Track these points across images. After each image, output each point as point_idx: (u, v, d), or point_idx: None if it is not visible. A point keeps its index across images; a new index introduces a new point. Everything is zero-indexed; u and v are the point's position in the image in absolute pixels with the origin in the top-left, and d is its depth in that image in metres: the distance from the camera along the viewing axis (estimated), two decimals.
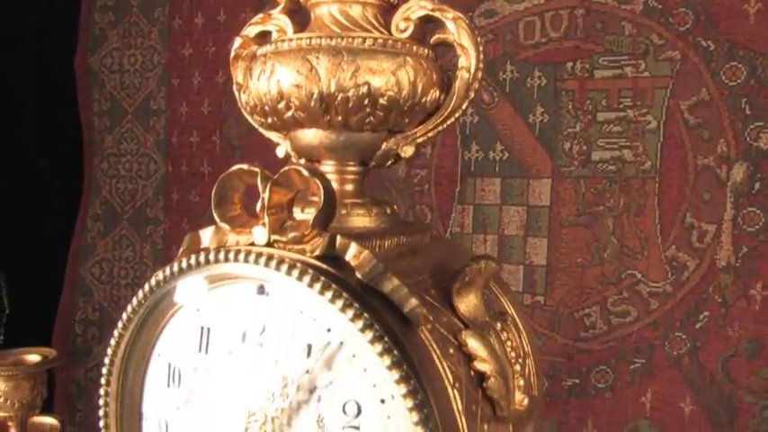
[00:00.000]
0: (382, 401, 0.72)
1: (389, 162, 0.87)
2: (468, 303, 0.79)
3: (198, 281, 0.79)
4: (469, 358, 0.77)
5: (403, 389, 0.68)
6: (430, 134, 0.85)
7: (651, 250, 1.59)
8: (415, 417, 0.68)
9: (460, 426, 0.73)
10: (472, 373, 0.77)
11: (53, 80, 2.03)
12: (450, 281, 0.80)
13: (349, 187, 0.87)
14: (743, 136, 1.50)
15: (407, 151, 0.85)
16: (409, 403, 0.68)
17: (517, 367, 0.80)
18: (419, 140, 0.85)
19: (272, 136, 0.93)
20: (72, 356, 2.08)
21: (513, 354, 0.80)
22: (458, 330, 0.77)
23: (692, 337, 1.57)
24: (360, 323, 0.69)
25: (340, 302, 0.70)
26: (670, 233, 1.57)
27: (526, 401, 0.80)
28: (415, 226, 0.95)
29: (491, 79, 1.68)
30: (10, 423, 1.18)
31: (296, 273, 0.72)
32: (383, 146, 0.85)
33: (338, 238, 0.74)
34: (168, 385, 0.83)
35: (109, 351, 0.85)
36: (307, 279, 0.71)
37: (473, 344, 0.77)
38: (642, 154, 1.58)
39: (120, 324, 0.84)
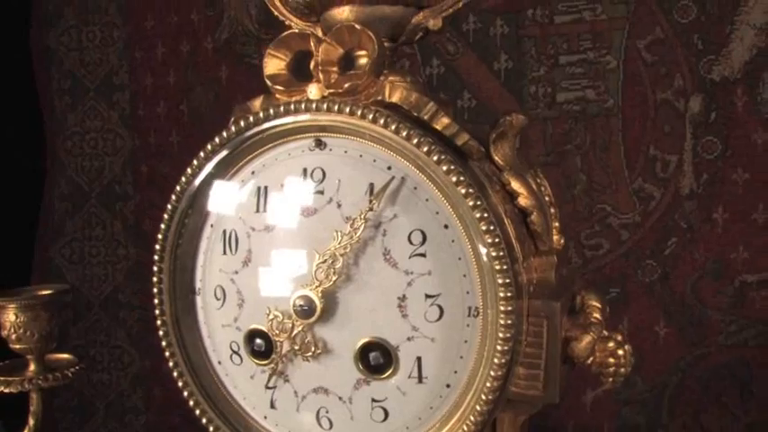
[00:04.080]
0: (446, 227, 0.76)
1: (418, 36, 0.92)
2: (503, 152, 0.85)
3: None
4: (512, 197, 0.82)
5: (470, 201, 0.73)
6: (457, 6, 0.90)
7: (619, 184, 1.68)
8: (483, 227, 0.73)
9: (517, 249, 0.78)
10: (516, 210, 0.82)
11: (7, 60, 2.00)
12: (484, 135, 0.86)
13: None
14: (697, 70, 1.61)
15: (436, 24, 0.90)
16: (477, 214, 0.73)
17: (552, 210, 0.86)
18: (446, 13, 0.90)
19: (302, 24, 0.97)
20: None
21: (546, 198, 0.86)
22: (499, 173, 0.83)
23: (662, 263, 1.67)
24: (425, 147, 0.74)
25: (404, 131, 0.75)
26: (635, 166, 1.67)
27: (562, 241, 0.86)
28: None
29: (455, 31, 1.76)
30: (29, 357, 1.17)
31: (359, 112, 0.76)
32: (413, 20, 0.90)
33: (388, 83, 0.79)
34: (224, 252, 0.85)
35: (162, 226, 0.87)
36: (370, 115, 0.76)
37: (515, 182, 0.82)
38: (604, 93, 1.68)
39: (173, 197, 0.86)
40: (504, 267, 0.73)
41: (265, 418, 0.87)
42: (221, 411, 0.89)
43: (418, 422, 0.79)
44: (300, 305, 0.79)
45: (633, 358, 0.84)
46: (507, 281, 0.73)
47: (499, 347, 0.73)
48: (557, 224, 0.86)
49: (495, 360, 0.74)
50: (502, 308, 0.73)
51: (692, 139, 1.63)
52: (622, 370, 0.84)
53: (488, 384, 0.74)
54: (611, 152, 1.68)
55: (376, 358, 0.78)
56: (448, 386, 0.78)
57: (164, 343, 0.89)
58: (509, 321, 0.73)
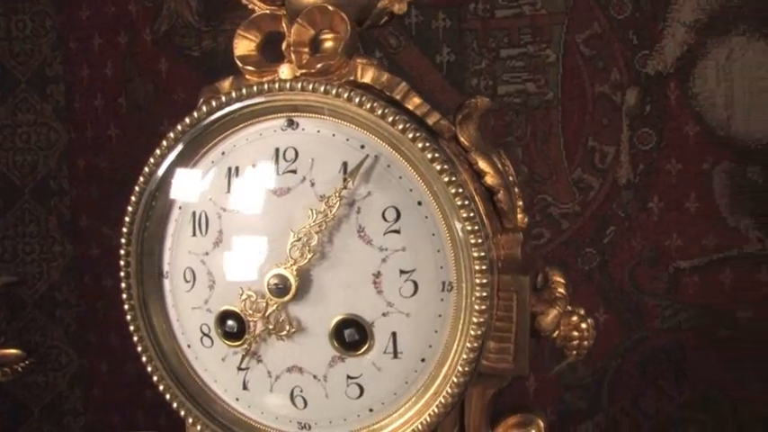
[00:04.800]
0: (419, 203, 0.78)
1: (384, 20, 0.93)
2: (468, 133, 0.86)
3: None
4: (479, 176, 0.85)
5: (446, 178, 0.75)
6: None
7: (559, 174, 1.73)
8: (458, 202, 0.75)
9: (488, 225, 0.80)
10: (483, 189, 0.85)
11: None
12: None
13: None
14: (633, 64, 1.68)
15: (401, 9, 0.92)
16: (452, 190, 0.75)
17: (516, 189, 0.89)
18: None
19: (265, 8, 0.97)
20: None
21: (510, 178, 0.89)
22: (466, 153, 0.85)
23: (601, 251, 1.72)
24: (400, 125, 0.76)
25: (380, 110, 0.76)
26: (575, 157, 1.72)
27: (526, 219, 0.89)
28: None
29: (397, 25, 1.78)
30: None
31: (334, 90, 0.77)
32: (379, 4, 0.91)
33: (360, 64, 0.80)
34: (194, 234, 0.85)
35: (129, 209, 0.86)
36: (345, 94, 0.77)
37: (482, 162, 0.85)
38: (544, 86, 1.72)
39: (140, 179, 0.85)
40: (479, 241, 0.74)
41: (237, 400, 0.87)
42: (191, 395, 0.88)
43: (393, 397, 0.81)
44: (275, 284, 0.79)
45: (595, 332, 0.88)
46: (482, 254, 0.75)
47: (475, 320, 0.75)
48: (520, 203, 0.89)
49: (472, 332, 0.76)
50: (477, 281, 0.75)
51: (629, 131, 1.69)
52: (585, 343, 0.87)
53: (464, 356, 0.76)
54: (551, 144, 1.73)
55: (351, 335, 0.79)
56: (423, 360, 0.79)
57: (131, 327, 0.88)
58: (484, 294, 0.75)
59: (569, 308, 0.87)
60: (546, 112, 1.72)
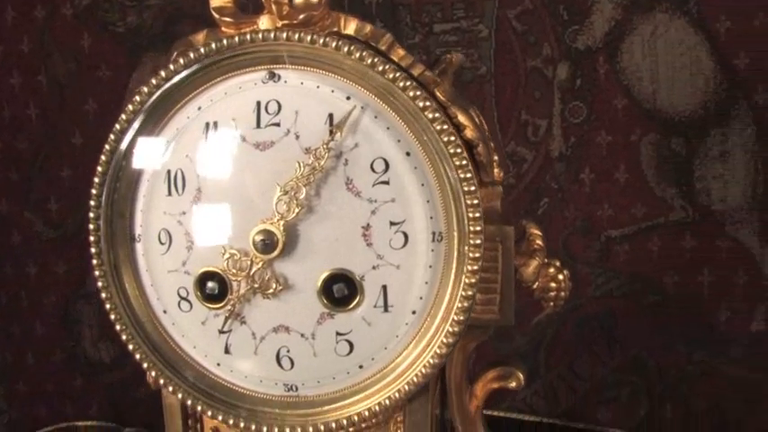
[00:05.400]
0: (408, 154, 0.78)
1: None
2: (444, 88, 0.86)
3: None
4: (458, 129, 0.85)
5: (438, 126, 0.75)
6: None
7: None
8: (450, 150, 0.75)
9: (474, 173, 0.80)
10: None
11: None
12: None
13: None
14: (563, 39, 1.71)
15: None
16: (444, 138, 0.75)
17: (492, 144, 0.90)
18: None
19: None
20: None
21: (487, 133, 0.90)
22: (444, 108, 0.85)
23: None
24: (390, 74, 0.75)
25: (369, 59, 0.75)
26: (508, 130, 1.75)
27: (502, 174, 0.90)
28: None
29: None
30: None
31: (321, 40, 0.76)
32: None
33: (343, 16, 0.79)
34: (169, 193, 0.82)
35: (99, 169, 0.82)
36: (333, 43, 0.76)
37: (461, 116, 0.85)
38: (477, 60, 1.74)
39: (111, 137, 0.82)
40: (473, 189, 0.75)
41: (218, 365, 0.85)
42: (170, 363, 0.85)
43: (384, 352, 0.80)
44: (261, 240, 0.77)
45: (571, 283, 0.90)
46: (476, 202, 0.75)
47: (470, 268, 0.76)
48: (496, 158, 0.90)
49: (466, 281, 0.76)
50: (471, 228, 0.75)
51: (560, 104, 1.72)
52: (562, 294, 0.89)
53: (459, 305, 0.76)
54: (484, 117, 1.74)
55: (340, 290, 0.78)
56: (413, 313, 0.79)
57: (104, 295, 0.84)
58: (478, 241, 0.75)
59: (546, 260, 0.89)
60: (479, 86, 1.74)
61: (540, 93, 1.74)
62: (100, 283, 0.84)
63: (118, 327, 0.85)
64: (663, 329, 1.74)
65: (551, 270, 0.87)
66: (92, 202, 0.83)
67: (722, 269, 1.67)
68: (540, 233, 0.88)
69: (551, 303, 0.89)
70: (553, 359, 1.78)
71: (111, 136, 0.81)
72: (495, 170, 0.89)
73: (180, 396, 0.84)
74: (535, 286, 0.87)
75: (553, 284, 0.87)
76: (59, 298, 1.81)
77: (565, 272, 0.88)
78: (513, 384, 0.91)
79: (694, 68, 1.65)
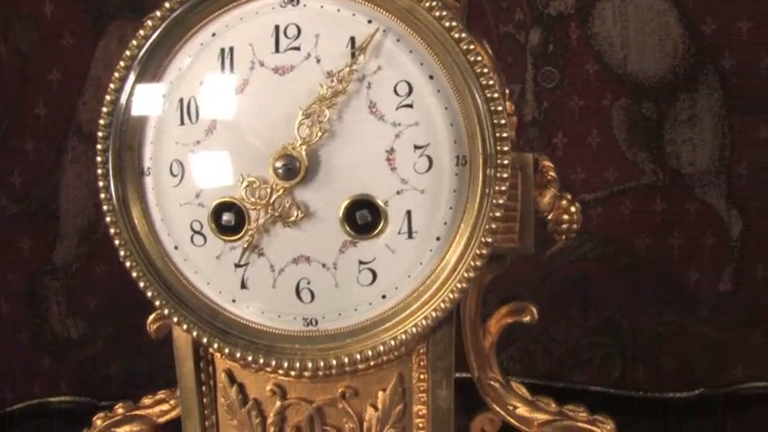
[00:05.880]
0: (431, 77, 0.77)
1: None
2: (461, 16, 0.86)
3: None
4: None
5: (464, 46, 0.74)
6: None
7: None
8: (477, 70, 0.74)
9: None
10: None
11: None
12: None
13: None
14: (535, 4, 1.73)
15: None
16: (471, 58, 0.74)
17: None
18: None
19: None
20: None
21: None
22: None
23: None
24: None
25: None
26: None
27: (513, 107, 0.90)
28: None
29: None
30: None
31: None
32: None
33: None
34: (182, 123, 0.79)
35: (108, 98, 0.79)
36: None
37: (475, 45, 0.84)
38: None
39: (121, 64, 0.79)
40: (500, 109, 0.74)
41: (234, 301, 0.82)
42: (182, 301, 0.82)
43: (408, 280, 0.79)
44: (283, 165, 0.75)
45: (581, 216, 0.90)
46: (503, 121, 0.74)
47: (497, 188, 0.75)
48: (507, 90, 0.90)
49: (494, 201, 0.75)
50: (499, 148, 0.75)
51: (533, 69, 1.74)
52: (574, 226, 0.89)
53: (486, 226, 0.76)
54: None
55: (363, 216, 0.77)
56: (438, 239, 0.78)
57: (112, 230, 0.81)
58: (506, 161, 0.75)
59: (559, 192, 0.89)
60: None
61: (513, 58, 1.74)
62: (108, 218, 0.81)
63: (128, 263, 0.81)
64: (635, 291, 1.76)
65: (564, 203, 0.88)
66: (99, 134, 0.79)
67: (692, 231, 1.70)
68: (552, 165, 0.88)
69: (563, 237, 0.89)
70: (529, 324, 1.79)
71: (121, 63, 0.78)
72: (507, 102, 0.89)
73: (195, 334, 0.81)
74: (550, 217, 0.86)
75: (565, 216, 0.88)
76: (24, 275, 1.74)
77: (576, 204, 0.89)
78: (527, 318, 0.92)
79: (663, 34, 1.68)
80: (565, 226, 0.88)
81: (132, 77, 0.79)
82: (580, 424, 0.92)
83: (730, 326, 1.68)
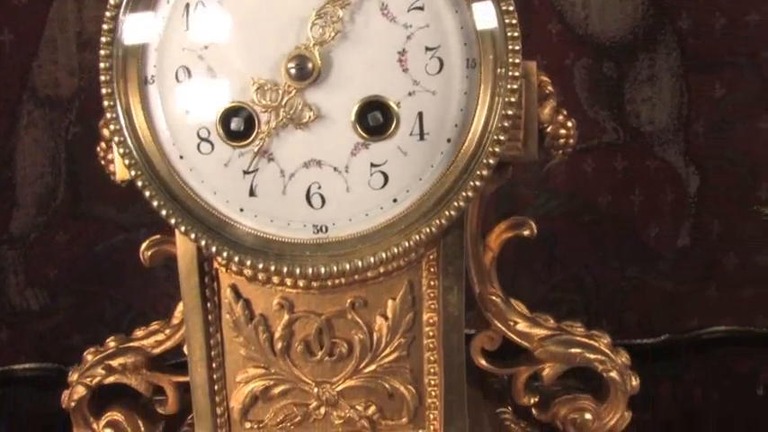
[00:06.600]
0: None
1: None
2: None
3: None
4: None
5: None
6: None
7: None
8: None
9: None
10: None
11: None
12: None
13: None
14: None
15: None
16: None
17: None
18: None
19: None
20: None
21: None
22: None
23: None
24: None
25: None
26: None
27: None
28: None
29: None
30: None
31: None
32: None
33: None
34: (188, 28, 0.78)
35: (111, 2, 0.77)
36: None
37: None
38: None
39: None
40: (511, 8, 0.75)
41: (242, 210, 0.81)
42: (188, 211, 0.80)
43: (419, 183, 0.79)
44: (296, 65, 0.75)
45: (578, 132, 0.92)
46: (514, 21, 0.76)
47: (509, 86, 0.76)
48: None
49: (506, 99, 0.76)
50: (510, 47, 0.76)
51: None
52: (571, 141, 0.91)
53: (499, 124, 0.77)
54: None
55: (375, 118, 0.77)
56: (449, 141, 0.79)
57: (116, 139, 0.79)
58: (517, 60, 0.76)
59: (557, 106, 0.91)
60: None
61: None
62: (111, 127, 0.79)
63: (133, 172, 0.80)
64: (599, 247, 1.80)
65: (560, 117, 0.89)
66: (103, 39, 0.78)
67: (651, 188, 1.74)
68: (549, 80, 0.90)
69: (560, 151, 0.90)
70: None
71: None
72: None
73: (203, 243, 0.79)
74: (549, 130, 0.88)
75: (563, 131, 0.89)
76: None
77: (573, 120, 0.91)
78: (527, 232, 0.93)
79: None
80: (562, 141, 0.89)
81: None
82: (578, 338, 0.94)
83: (688, 280, 1.73)
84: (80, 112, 1.64)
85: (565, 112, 0.91)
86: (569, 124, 0.90)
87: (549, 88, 0.90)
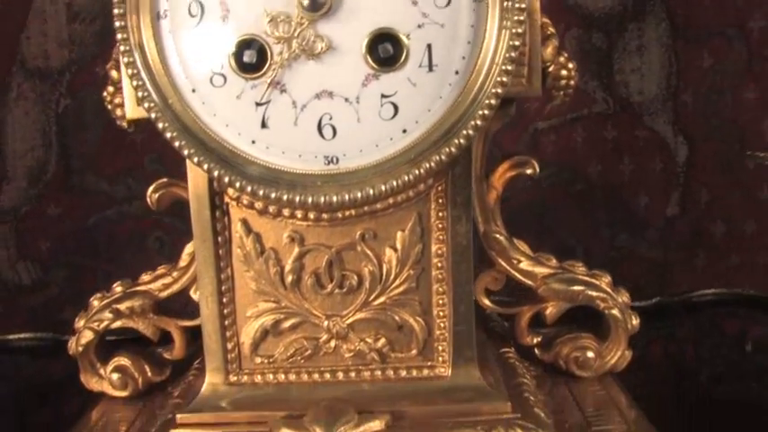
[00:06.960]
0: None
1: None
2: None
3: None
4: None
5: None
6: None
7: None
8: None
9: None
10: None
11: None
12: None
13: None
14: None
15: None
16: None
17: None
18: None
19: None
20: None
21: None
22: None
23: None
24: None
25: None
26: None
27: None
28: None
29: None
30: None
31: None
32: None
33: None
34: None
35: None
36: None
37: None
38: None
39: None
40: None
41: (253, 143, 0.82)
42: (201, 143, 0.81)
43: (428, 114, 0.81)
44: None
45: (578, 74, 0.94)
46: None
47: (516, 18, 0.78)
48: None
49: (513, 30, 0.78)
50: None
51: None
52: (572, 82, 0.93)
53: (507, 55, 0.78)
54: None
55: (386, 50, 0.79)
56: (456, 73, 0.80)
57: (129, 71, 0.80)
58: None
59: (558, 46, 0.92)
60: None
61: None
62: (125, 60, 0.80)
63: (146, 105, 0.81)
64: (588, 215, 1.82)
65: (562, 59, 0.91)
66: None
67: (640, 158, 1.77)
68: (550, 22, 0.92)
69: (561, 93, 0.92)
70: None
71: None
72: None
73: (216, 174, 0.80)
74: (551, 69, 0.90)
75: (564, 72, 0.91)
76: None
77: (573, 62, 0.93)
78: (530, 171, 0.95)
79: None
80: (563, 81, 0.91)
81: None
82: (581, 276, 0.96)
83: (677, 248, 1.76)
84: (71, 84, 1.64)
85: (566, 54, 0.93)
86: (570, 65, 0.92)
87: (551, 29, 0.92)
